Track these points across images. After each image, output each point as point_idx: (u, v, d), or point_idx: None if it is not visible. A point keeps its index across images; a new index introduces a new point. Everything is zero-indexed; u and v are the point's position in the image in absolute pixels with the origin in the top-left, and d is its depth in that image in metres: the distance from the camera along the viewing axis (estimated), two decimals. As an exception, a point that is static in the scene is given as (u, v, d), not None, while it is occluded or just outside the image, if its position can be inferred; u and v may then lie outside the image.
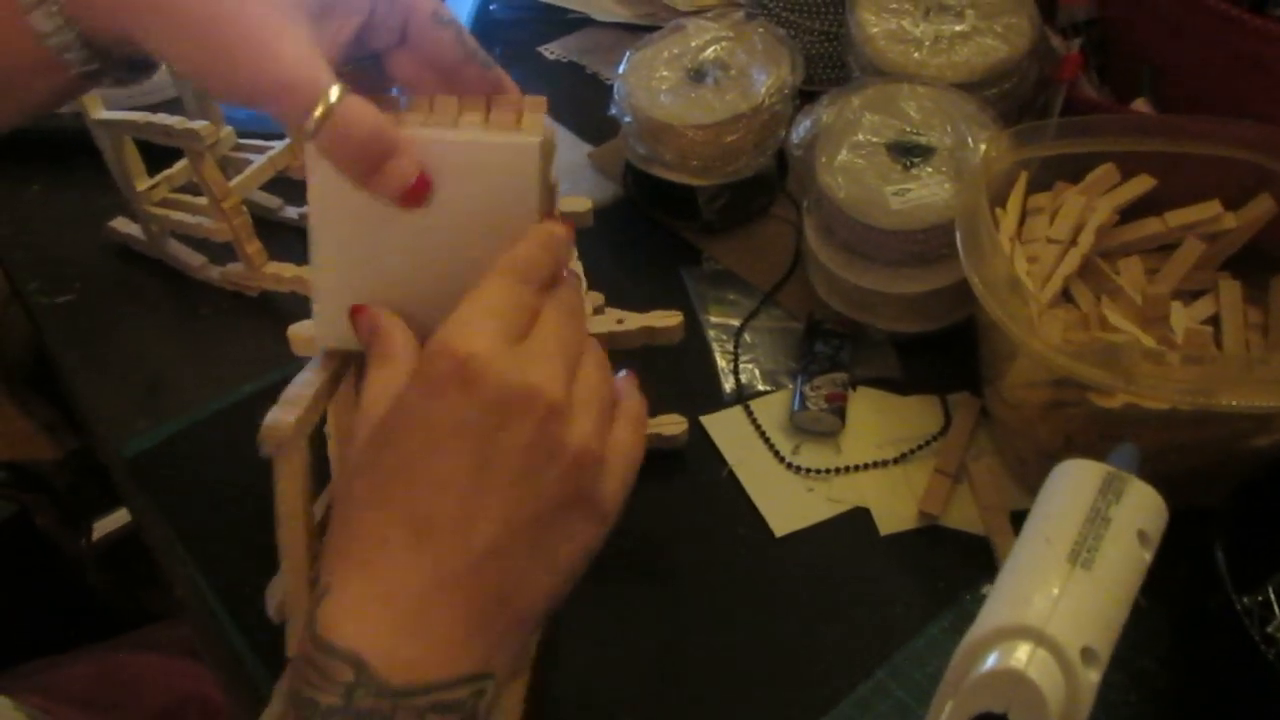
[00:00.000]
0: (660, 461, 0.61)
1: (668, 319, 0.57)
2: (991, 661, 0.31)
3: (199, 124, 0.64)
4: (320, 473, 0.49)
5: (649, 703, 0.52)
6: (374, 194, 0.40)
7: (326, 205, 0.42)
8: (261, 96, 0.38)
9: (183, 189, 0.73)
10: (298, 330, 0.52)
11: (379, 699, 0.34)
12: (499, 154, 0.41)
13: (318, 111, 0.37)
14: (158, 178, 0.71)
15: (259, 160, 0.70)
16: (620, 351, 0.60)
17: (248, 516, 0.48)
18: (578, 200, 0.58)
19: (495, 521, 0.36)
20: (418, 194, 0.41)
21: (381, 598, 0.36)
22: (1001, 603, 0.33)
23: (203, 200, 0.69)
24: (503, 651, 0.37)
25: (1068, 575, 0.33)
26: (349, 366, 0.48)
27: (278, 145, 0.71)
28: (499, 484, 0.36)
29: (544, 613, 0.39)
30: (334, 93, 0.37)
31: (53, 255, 0.76)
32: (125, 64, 0.44)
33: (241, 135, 0.74)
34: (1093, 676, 0.31)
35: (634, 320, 0.56)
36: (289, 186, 0.76)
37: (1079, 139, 0.62)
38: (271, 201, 0.77)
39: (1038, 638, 0.31)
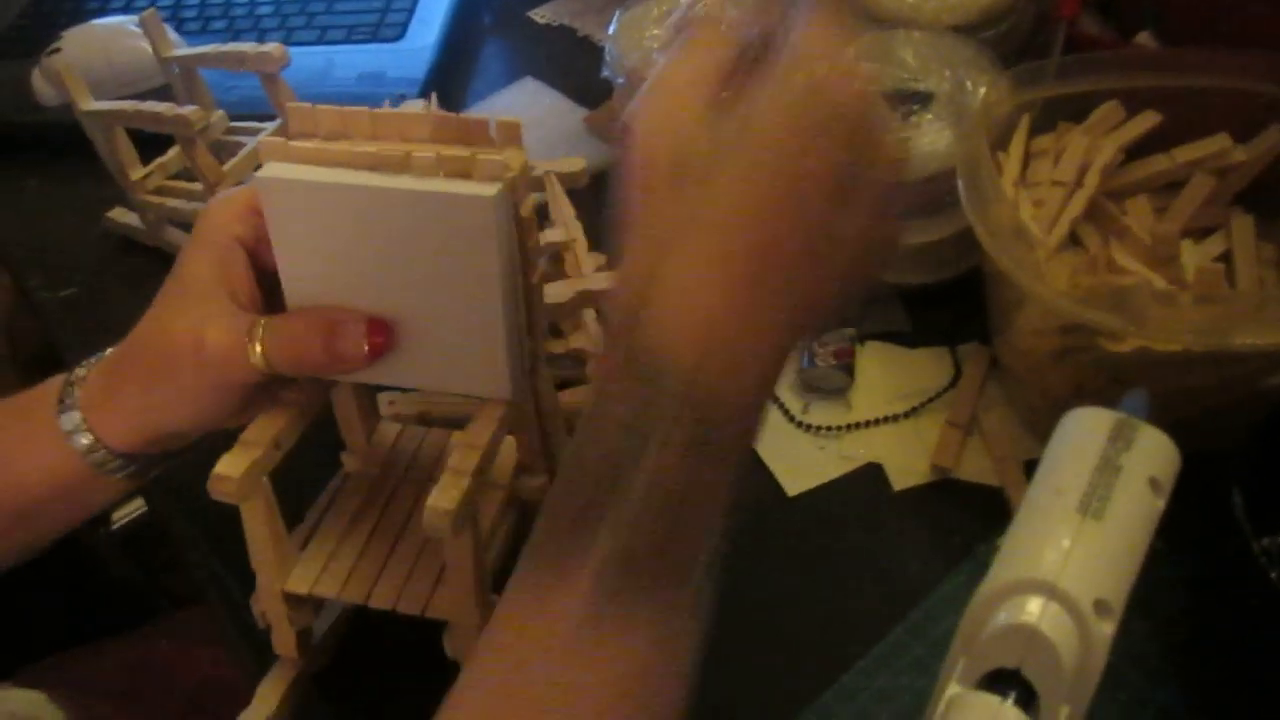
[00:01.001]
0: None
1: (571, 164, 0.57)
2: (1003, 617, 0.31)
3: (188, 109, 0.63)
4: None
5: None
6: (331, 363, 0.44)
7: (286, 246, 0.43)
8: (225, 386, 0.45)
9: (177, 175, 0.72)
10: None
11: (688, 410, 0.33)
12: (449, 206, 0.40)
13: (255, 354, 0.43)
14: (151, 166, 0.71)
15: (252, 143, 0.69)
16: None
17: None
18: (571, 161, 0.57)
19: (821, 257, 0.35)
20: (379, 349, 0.44)
21: (705, 324, 0.33)
22: (1011, 557, 0.32)
23: (198, 186, 0.69)
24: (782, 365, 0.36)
25: (1078, 526, 0.32)
26: (319, 401, 0.48)
27: (270, 126, 0.71)
28: (816, 213, 0.34)
29: (828, 315, 0.37)
30: (255, 339, 0.44)
31: (53, 250, 0.76)
32: (161, 456, 0.50)
33: (234, 118, 0.73)
34: (1106, 628, 0.31)
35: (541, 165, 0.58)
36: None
37: (1081, 78, 0.61)
38: None
39: (1049, 591, 0.31)
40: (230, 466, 0.43)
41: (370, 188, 0.40)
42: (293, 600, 0.49)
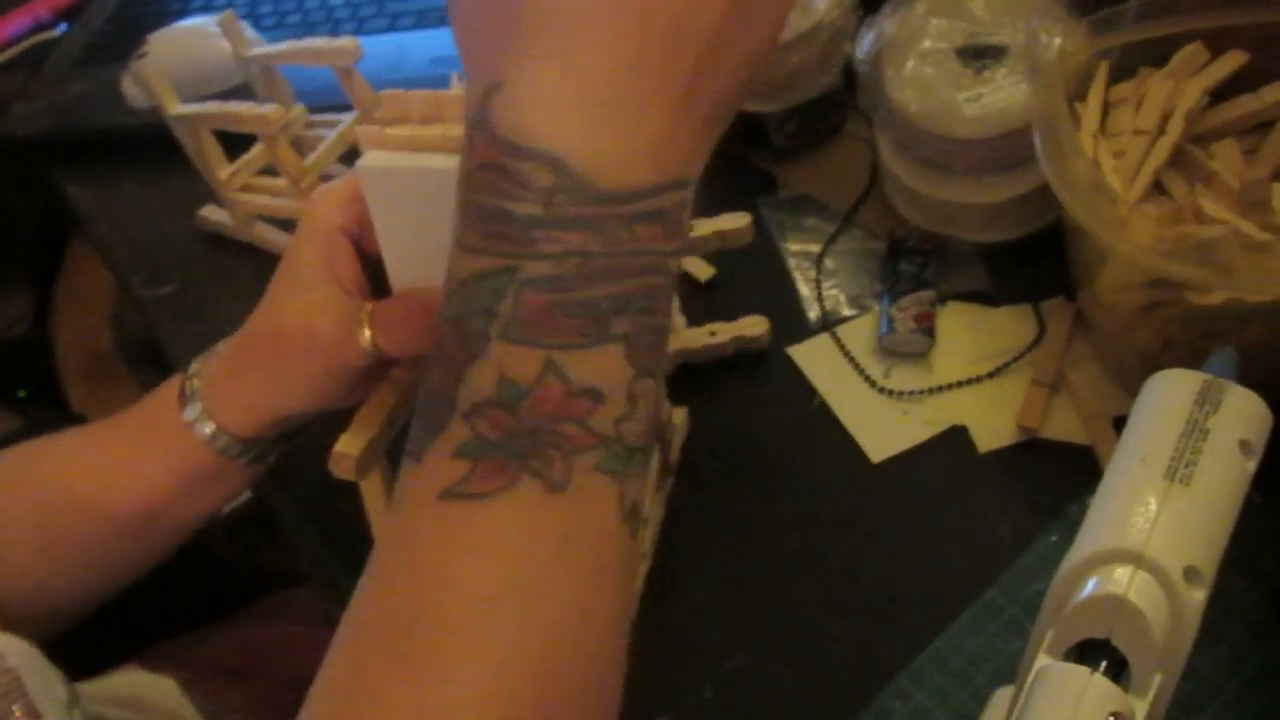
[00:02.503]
0: (749, 392, 0.61)
1: (737, 220, 0.57)
2: (1091, 587, 0.31)
3: (268, 108, 0.65)
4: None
5: (755, 628, 0.53)
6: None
7: (389, 231, 0.44)
8: (336, 370, 0.47)
9: (263, 172, 0.75)
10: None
11: (583, 205, 0.31)
12: None
13: (364, 338, 0.46)
14: (236, 164, 0.73)
15: (330, 136, 0.71)
16: (712, 350, 0.61)
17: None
18: (738, 217, 0.57)
19: None
20: None
21: (569, 83, 0.31)
22: (1098, 526, 0.32)
23: (282, 181, 0.71)
24: (697, 155, 0.34)
25: (1165, 493, 0.32)
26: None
27: (347, 118, 0.72)
28: None
29: (736, 106, 0.35)
30: (363, 324, 0.46)
31: (150, 249, 0.79)
32: (280, 438, 0.53)
33: (314, 109, 0.75)
34: (1197, 595, 0.31)
35: (703, 226, 0.57)
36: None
37: (1161, 20, 0.59)
38: (281, 239, 0.76)
39: (1137, 560, 0.31)
40: (349, 445, 0.46)
41: (436, 167, 0.41)
42: None
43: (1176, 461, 0.32)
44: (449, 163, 0.41)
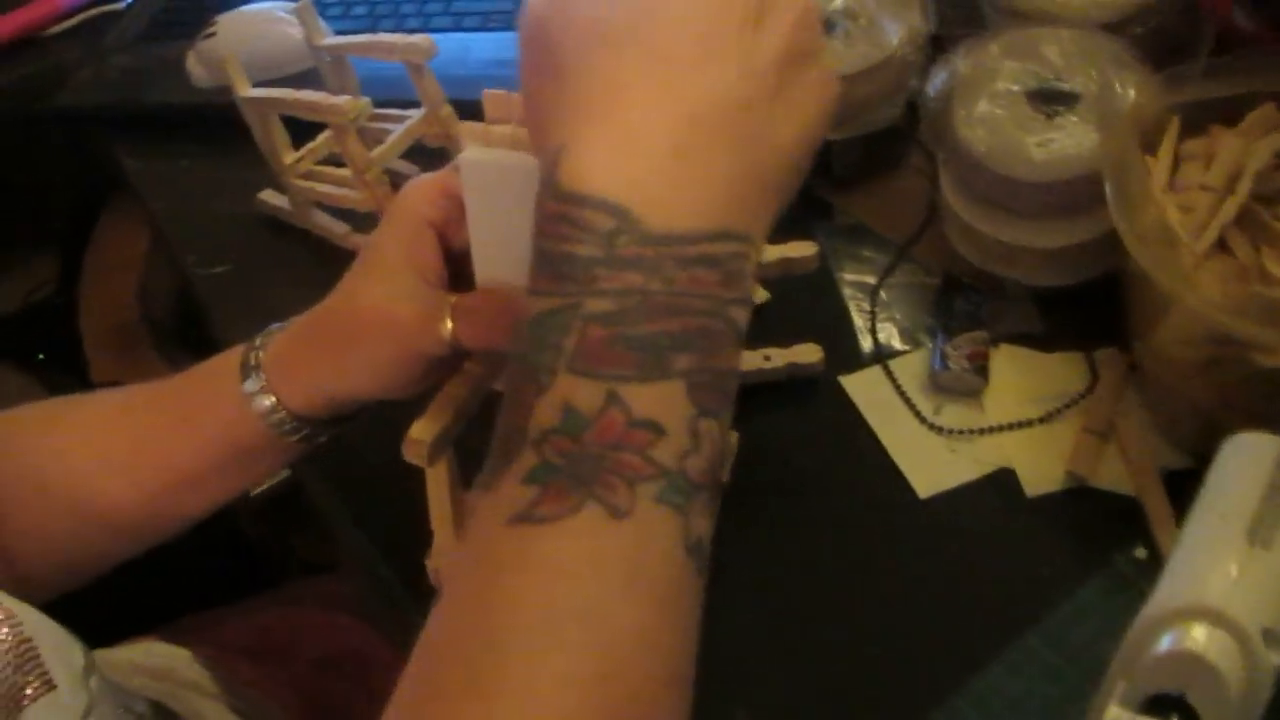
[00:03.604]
0: (800, 418, 0.61)
1: (803, 249, 0.58)
2: (1167, 643, 0.31)
3: (343, 99, 0.66)
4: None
5: (792, 656, 0.53)
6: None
7: (481, 226, 0.45)
8: (412, 358, 0.48)
9: (324, 160, 0.75)
10: None
11: (641, 245, 0.33)
12: None
13: (445, 329, 0.47)
14: (302, 151, 0.73)
15: (398, 130, 0.71)
16: (765, 374, 0.61)
17: (406, 472, 0.50)
18: (803, 245, 0.58)
19: (733, 63, 0.35)
20: None
21: (630, 143, 0.35)
22: (1177, 582, 0.32)
23: (344, 171, 0.71)
24: (758, 219, 0.36)
25: (1246, 554, 0.32)
26: (497, 374, 0.50)
27: (414, 114, 0.73)
28: (733, 25, 0.35)
29: (792, 181, 0.38)
30: (446, 315, 0.47)
31: (207, 228, 0.80)
32: (333, 420, 0.53)
33: (377, 105, 0.76)
34: (1275, 658, 0.31)
35: (769, 251, 0.57)
36: (359, 216, 0.75)
37: (1232, 79, 0.59)
38: (338, 227, 0.77)
39: (1215, 618, 0.31)
40: (423, 431, 0.46)
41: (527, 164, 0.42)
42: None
43: (1258, 524, 0.33)
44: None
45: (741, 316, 0.35)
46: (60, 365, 1.44)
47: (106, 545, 0.57)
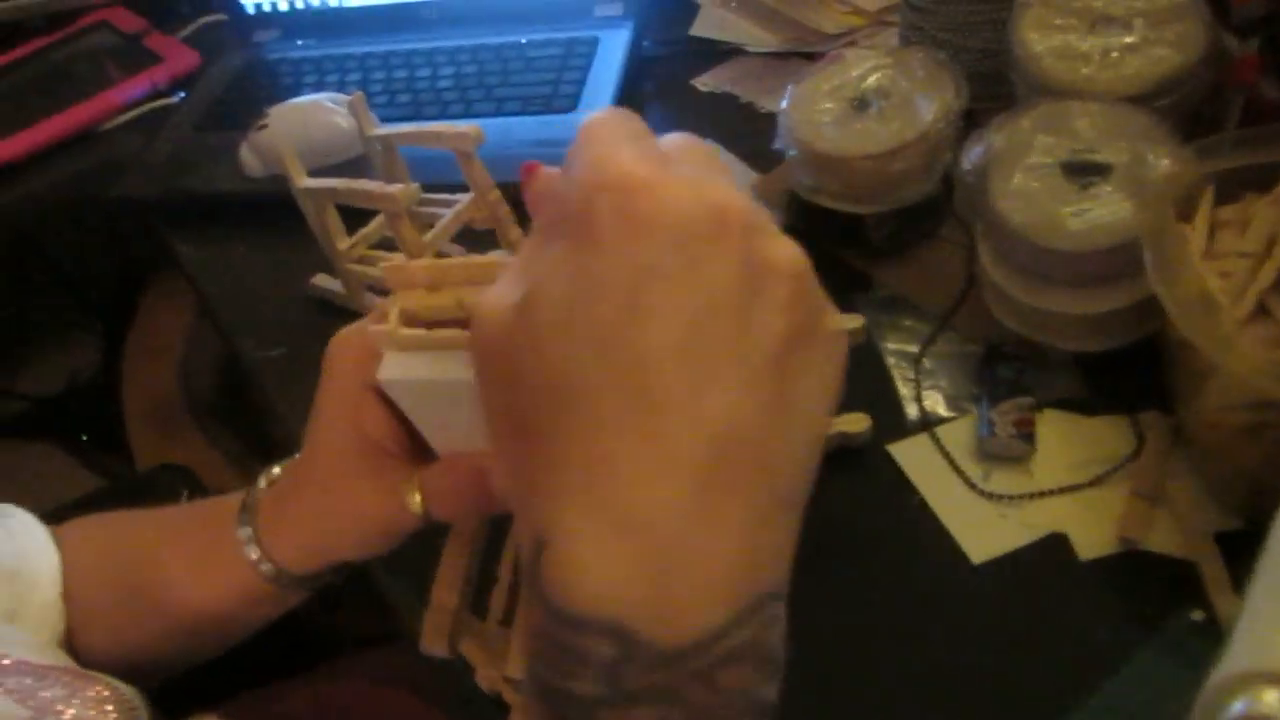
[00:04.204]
0: (849, 487, 0.62)
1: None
2: (1239, 708, 0.32)
3: (396, 188, 0.68)
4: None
5: (857, 730, 0.53)
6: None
7: (422, 421, 0.44)
8: (388, 535, 0.47)
9: (377, 245, 0.78)
10: None
11: (654, 672, 0.27)
12: None
13: (415, 503, 0.44)
14: (355, 237, 0.76)
15: (447, 215, 0.74)
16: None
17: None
18: (852, 317, 0.60)
19: (732, 379, 0.28)
20: None
21: (623, 532, 0.28)
22: (1245, 646, 0.33)
23: (396, 255, 0.74)
24: (779, 555, 0.30)
25: (1313, 618, 0.33)
26: (487, 522, 0.50)
27: (463, 198, 0.75)
28: (723, 329, 0.28)
29: (806, 485, 0.31)
30: (413, 490, 0.44)
31: (261, 312, 0.82)
32: (330, 573, 0.51)
33: (425, 189, 0.78)
34: (1347, 721, 0.31)
35: None
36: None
37: (1263, 148, 0.61)
38: None
39: (1286, 683, 0.32)
40: (437, 627, 0.47)
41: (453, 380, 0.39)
42: (515, 683, 0.50)
43: (1322, 587, 0.33)
44: (467, 373, 0.35)
45: (775, 691, 0.30)
46: (103, 444, 1.46)
47: (162, 659, 0.57)
